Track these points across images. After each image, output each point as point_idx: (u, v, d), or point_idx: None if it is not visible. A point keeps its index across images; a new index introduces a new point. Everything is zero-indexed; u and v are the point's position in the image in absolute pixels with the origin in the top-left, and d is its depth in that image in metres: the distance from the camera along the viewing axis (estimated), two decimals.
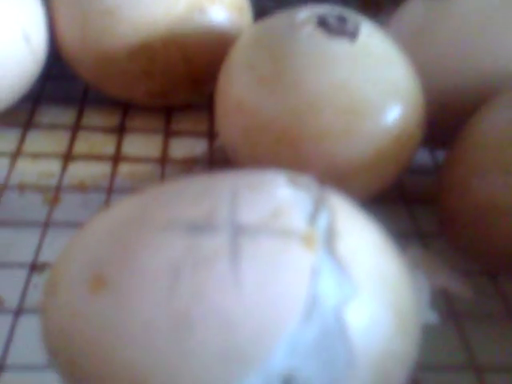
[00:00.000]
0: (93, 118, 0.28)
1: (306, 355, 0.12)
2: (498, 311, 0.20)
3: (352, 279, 0.13)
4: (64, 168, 0.25)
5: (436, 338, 0.15)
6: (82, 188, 0.24)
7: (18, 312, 0.19)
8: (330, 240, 0.13)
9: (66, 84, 0.29)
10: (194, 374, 0.12)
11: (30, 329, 0.16)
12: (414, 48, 0.22)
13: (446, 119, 0.23)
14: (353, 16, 0.21)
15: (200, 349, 0.12)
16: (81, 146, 0.26)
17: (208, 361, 0.12)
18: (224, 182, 0.15)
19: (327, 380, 0.12)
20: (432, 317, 0.16)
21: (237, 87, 0.21)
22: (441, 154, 0.26)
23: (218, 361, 0.12)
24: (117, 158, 0.26)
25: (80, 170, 0.25)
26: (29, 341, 0.16)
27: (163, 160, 0.26)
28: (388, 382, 0.13)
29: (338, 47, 0.20)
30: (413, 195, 0.24)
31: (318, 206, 0.14)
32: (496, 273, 0.21)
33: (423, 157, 0.26)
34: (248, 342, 0.12)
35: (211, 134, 0.27)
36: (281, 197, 0.14)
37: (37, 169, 0.25)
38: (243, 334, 0.12)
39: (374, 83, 0.20)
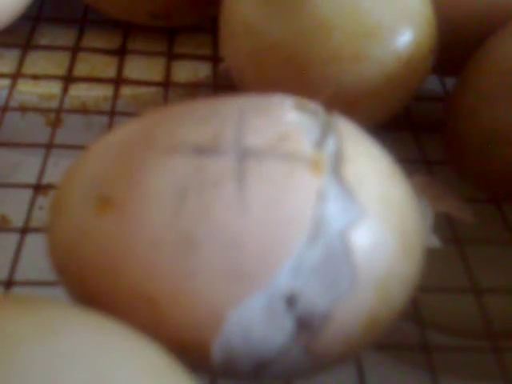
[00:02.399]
0: (93, 39, 0.27)
1: (310, 276, 0.12)
2: (500, 236, 0.20)
3: (358, 203, 0.13)
4: (65, 90, 0.24)
5: (437, 262, 0.15)
6: (83, 110, 0.24)
7: (24, 231, 0.19)
8: (337, 165, 0.13)
9: (65, 4, 0.28)
10: (198, 292, 0.12)
11: (36, 247, 0.16)
12: None
13: (457, 45, 0.22)
14: None
15: (204, 268, 0.12)
16: (81, 68, 0.26)
17: (212, 279, 0.12)
18: (230, 105, 0.14)
19: (330, 301, 0.12)
20: (434, 241, 0.16)
21: (243, 8, 0.20)
22: (450, 81, 0.25)
23: (222, 280, 0.12)
24: (118, 81, 0.25)
25: (81, 93, 0.24)
26: (35, 259, 0.16)
27: (166, 83, 0.25)
28: (390, 303, 0.13)
29: None
30: (420, 122, 0.24)
31: (325, 131, 0.14)
32: (500, 200, 0.21)
33: (432, 83, 0.25)
34: (252, 262, 0.12)
35: (215, 58, 0.27)
36: (288, 121, 0.14)
37: (37, 91, 0.24)
38: (248, 253, 0.12)
39: (385, 6, 0.19)
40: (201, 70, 0.26)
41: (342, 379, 0.16)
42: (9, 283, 0.18)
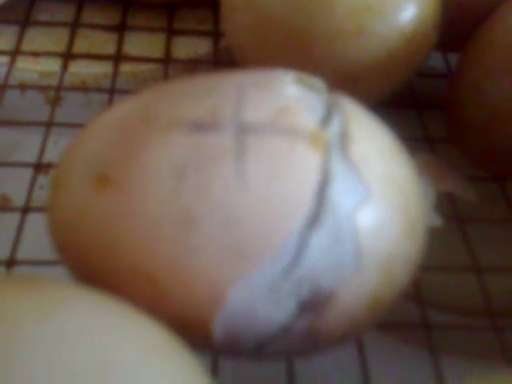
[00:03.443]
0: (92, 15, 0.27)
1: (314, 256, 0.12)
2: (502, 215, 0.20)
3: (364, 183, 0.13)
4: (64, 67, 0.24)
5: (438, 241, 0.15)
6: (83, 88, 0.23)
7: (25, 210, 0.19)
8: (342, 144, 0.13)
9: None
10: (199, 270, 0.12)
11: (37, 227, 0.16)
12: None
13: (461, 21, 0.22)
14: None
15: (205, 245, 0.12)
16: (81, 45, 0.25)
17: (213, 257, 0.12)
18: (230, 81, 0.14)
19: (334, 281, 0.12)
20: (436, 220, 0.16)
21: None
22: (454, 58, 0.25)
23: (223, 257, 0.12)
24: (118, 58, 0.25)
25: (81, 70, 0.24)
26: (37, 238, 0.16)
27: (166, 60, 0.25)
28: (393, 282, 0.13)
29: None
30: (423, 100, 0.24)
31: (330, 110, 0.14)
32: (502, 178, 0.21)
33: (436, 60, 0.25)
34: (253, 240, 0.12)
35: (216, 34, 0.26)
36: (288, 95, 0.13)
37: (37, 68, 0.24)
38: (248, 231, 0.12)
39: None
40: (201, 47, 0.26)
41: (343, 358, 0.16)
42: (10, 262, 0.18)
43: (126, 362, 0.10)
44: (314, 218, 0.12)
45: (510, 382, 0.11)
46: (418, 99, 0.24)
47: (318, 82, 0.14)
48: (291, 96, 0.13)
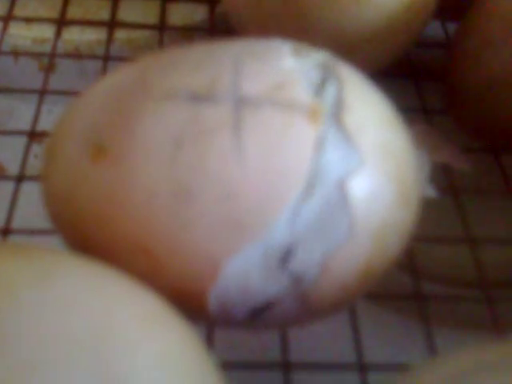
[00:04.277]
0: None
1: (307, 226, 0.12)
2: (498, 187, 0.20)
3: (357, 152, 0.13)
4: (58, 34, 0.24)
5: (433, 212, 0.15)
6: (77, 55, 0.23)
7: (20, 179, 0.19)
8: (336, 112, 0.13)
9: None
10: (194, 242, 0.12)
11: (32, 196, 0.16)
12: None
13: None
14: None
15: (200, 219, 0.12)
16: (74, 11, 0.25)
17: (209, 229, 0.12)
18: (226, 51, 0.14)
19: (326, 251, 0.13)
20: (431, 191, 0.16)
21: None
22: (452, 27, 0.25)
23: (218, 231, 0.12)
24: (112, 24, 0.24)
25: (75, 36, 0.24)
26: (32, 207, 0.16)
27: (161, 27, 0.24)
28: (386, 252, 0.13)
29: None
30: (421, 70, 0.23)
31: (325, 77, 0.13)
32: (498, 150, 0.21)
33: (434, 30, 0.25)
34: (249, 213, 0.12)
35: (212, 0, 0.26)
36: (286, 68, 0.13)
37: (30, 34, 0.24)
38: (244, 204, 0.12)
39: None
40: (197, 13, 0.25)
41: (336, 328, 0.17)
42: (5, 231, 0.18)
43: (119, 329, 0.10)
44: (308, 189, 0.12)
45: (500, 351, 0.11)
46: (415, 69, 0.23)
47: (315, 52, 0.14)
48: (288, 68, 0.13)
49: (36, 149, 0.20)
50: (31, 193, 0.18)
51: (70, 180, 0.13)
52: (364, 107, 0.13)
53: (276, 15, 0.19)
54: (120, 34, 0.24)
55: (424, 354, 0.16)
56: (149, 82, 0.13)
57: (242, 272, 0.12)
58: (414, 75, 0.23)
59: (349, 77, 0.14)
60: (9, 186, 0.19)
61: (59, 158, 0.14)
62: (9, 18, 0.24)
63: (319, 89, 0.13)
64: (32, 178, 0.19)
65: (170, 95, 0.13)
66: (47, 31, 0.24)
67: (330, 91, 0.13)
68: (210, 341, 0.15)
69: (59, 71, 0.23)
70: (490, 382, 0.10)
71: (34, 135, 0.20)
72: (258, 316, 0.13)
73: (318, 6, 0.19)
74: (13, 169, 0.19)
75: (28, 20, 0.24)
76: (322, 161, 0.12)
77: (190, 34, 0.25)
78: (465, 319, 0.19)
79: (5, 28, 0.24)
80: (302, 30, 0.19)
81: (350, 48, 0.19)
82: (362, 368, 0.16)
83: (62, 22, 0.24)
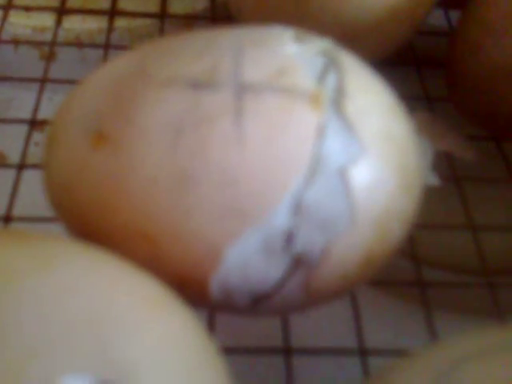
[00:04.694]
0: None
1: (308, 214, 0.12)
2: (500, 174, 0.20)
3: (358, 139, 0.13)
4: (58, 22, 0.24)
5: (435, 199, 0.15)
6: (78, 44, 0.23)
7: (21, 167, 0.19)
8: (338, 99, 0.13)
9: None
10: (195, 229, 0.12)
11: (33, 184, 0.16)
12: None
13: None
14: None
15: (201, 204, 0.12)
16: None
17: (210, 216, 0.12)
18: (228, 37, 0.14)
19: (328, 238, 0.13)
20: (433, 178, 0.16)
21: None
22: (455, 15, 0.25)
23: (220, 217, 0.12)
24: (113, 13, 0.24)
25: (75, 25, 0.24)
26: (33, 195, 0.16)
27: (162, 15, 0.24)
28: (388, 239, 0.13)
29: None
30: (424, 58, 0.23)
31: (327, 65, 0.13)
32: (501, 138, 0.21)
33: (437, 18, 0.25)
34: (250, 199, 0.12)
35: None
36: (287, 54, 0.13)
37: (30, 23, 0.24)
38: (245, 190, 0.12)
39: None
40: (198, 2, 0.25)
41: (337, 314, 0.17)
42: (7, 219, 0.18)
43: (121, 315, 0.10)
44: (310, 176, 0.12)
45: (501, 336, 0.11)
46: (418, 57, 0.23)
47: (317, 39, 0.14)
48: (290, 55, 0.13)
49: (37, 137, 0.20)
50: (32, 181, 0.18)
51: (70, 167, 0.13)
52: (366, 95, 0.13)
53: (277, 3, 0.19)
54: (121, 23, 0.24)
55: (425, 340, 0.16)
56: (149, 69, 0.13)
57: (244, 258, 0.12)
58: (416, 63, 0.23)
59: (351, 65, 0.14)
60: (10, 174, 0.19)
61: (60, 146, 0.14)
62: (9, 6, 0.24)
63: (321, 76, 0.13)
64: (33, 166, 0.19)
65: (171, 82, 0.13)
66: (47, 20, 0.24)
67: (332, 79, 0.13)
68: (211, 326, 0.16)
69: (60, 59, 0.23)
70: (490, 366, 0.10)
71: (34, 123, 0.20)
72: (260, 302, 0.13)
73: None
74: (14, 157, 0.19)
75: (28, 9, 0.24)
76: (324, 148, 0.12)
77: (190, 22, 0.24)
78: (466, 305, 0.19)
79: (5, 17, 0.23)
80: (304, 18, 0.19)
81: (353, 36, 0.19)
82: (363, 353, 0.16)
83: (62, 11, 0.24)
